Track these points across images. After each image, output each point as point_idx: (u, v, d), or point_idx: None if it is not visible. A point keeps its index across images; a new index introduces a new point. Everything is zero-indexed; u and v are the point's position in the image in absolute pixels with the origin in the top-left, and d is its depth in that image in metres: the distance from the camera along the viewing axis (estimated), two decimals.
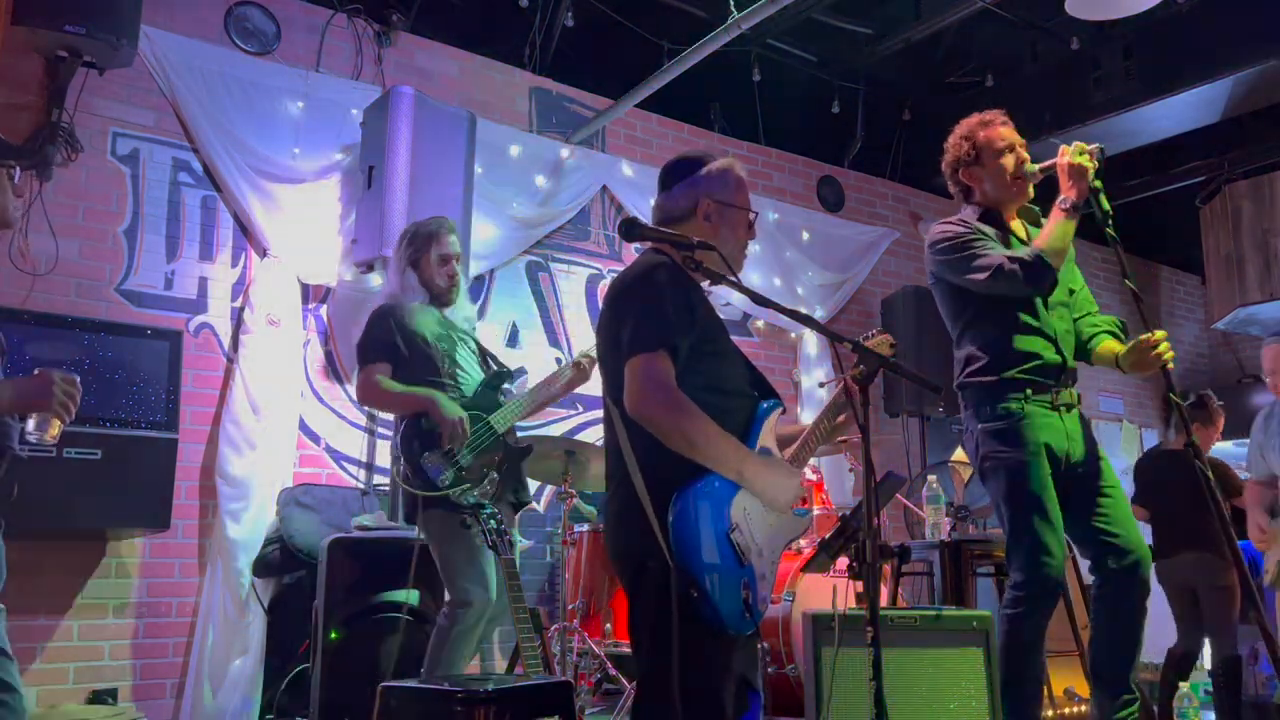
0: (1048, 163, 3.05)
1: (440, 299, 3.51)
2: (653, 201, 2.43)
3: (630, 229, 2.08)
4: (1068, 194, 2.96)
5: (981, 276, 2.96)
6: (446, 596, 3.28)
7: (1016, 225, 3.18)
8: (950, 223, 3.14)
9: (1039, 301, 3.07)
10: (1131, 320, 2.94)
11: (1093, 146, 2.96)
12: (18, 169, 2.39)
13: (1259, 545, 4.14)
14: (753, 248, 2.50)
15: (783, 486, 2.14)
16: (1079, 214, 2.97)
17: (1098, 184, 2.92)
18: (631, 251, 5.44)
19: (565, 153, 5.30)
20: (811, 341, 6.14)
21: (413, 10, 4.95)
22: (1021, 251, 2.99)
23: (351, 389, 4.55)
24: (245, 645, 3.97)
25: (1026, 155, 3.12)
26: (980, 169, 3.12)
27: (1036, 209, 3.21)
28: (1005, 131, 3.12)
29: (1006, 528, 3.00)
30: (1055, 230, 2.98)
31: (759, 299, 2.18)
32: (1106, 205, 2.90)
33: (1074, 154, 2.95)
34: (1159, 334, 2.89)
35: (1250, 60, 5.28)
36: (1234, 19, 5.34)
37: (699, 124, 6.03)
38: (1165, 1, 4.87)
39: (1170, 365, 2.87)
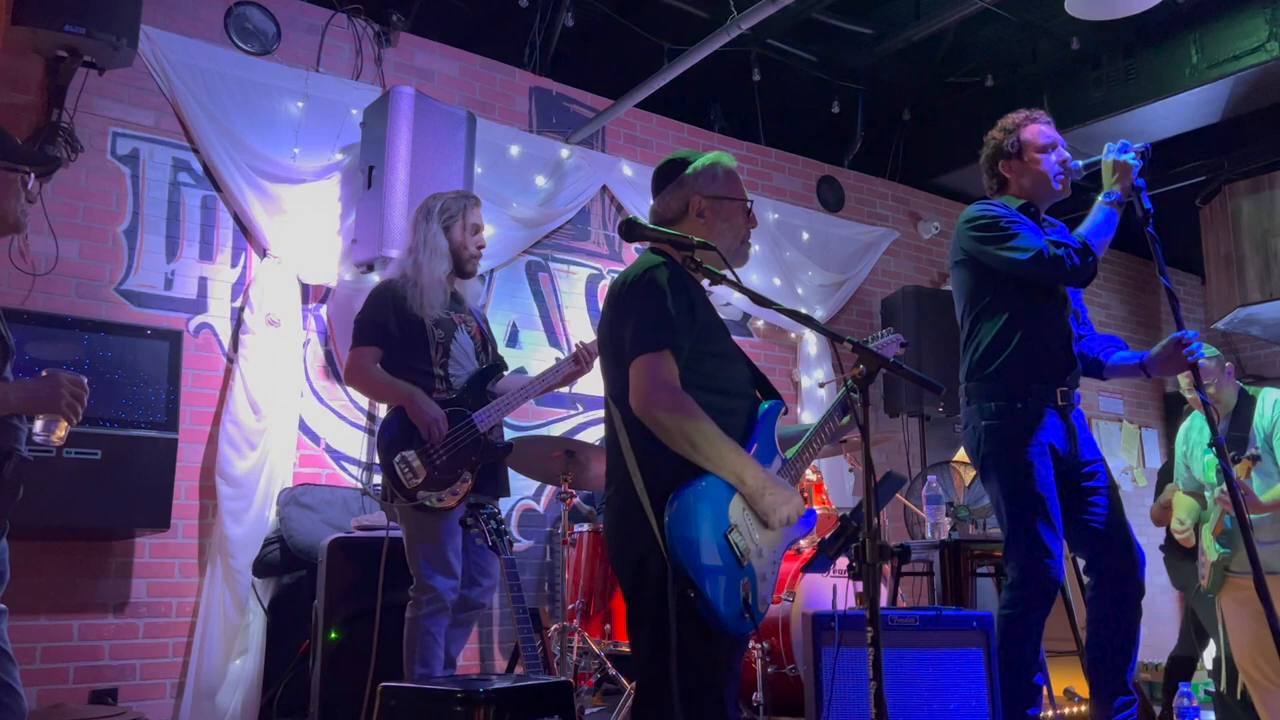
0: (1092, 159, 3.07)
1: (464, 268, 3.50)
2: (649, 207, 2.43)
3: (630, 229, 2.08)
4: (1111, 188, 2.98)
5: (1024, 257, 2.92)
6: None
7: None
8: (991, 204, 3.12)
9: (1054, 299, 3.07)
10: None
11: (1139, 146, 2.98)
12: (32, 175, 2.38)
13: (1180, 538, 4.20)
14: (753, 248, 2.50)
15: (780, 501, 2.12)
16: (1121, 208, 2.99)
17: (1140, 182, 2.95)
18: (632, 251, 5.43)
19: (565, 153, 5.30)
20: (811, 341, 6.14)
21: (413, 10, 4.94)
22: (1064, 237, 2.98)
23: (351, 389, 4.55)
24: (245, 645, 3.97)
25: (1068, 155, 3.14)
26: (1020, 163, 3.13)
27: (1060, 223, 3.22)
28: (1048, 130, 3.15)
29: (1006, 527, 2.99)
30: (1099, 220, 2.98)
31: (759, 299, 2.18)
32: (1149, 204, 2.92)
33: (1118, 151, 2.98)
34: (1191, 333, 2.92)
35: (1250, 60, 5.28)
36: (1234, 19, 5.35)
37: (699, 124, 6.02)
38: (1165, 1, 4.87)
39: (1201, 365, 2.90)
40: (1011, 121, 3.17)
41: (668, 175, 2.38)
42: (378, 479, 4.48)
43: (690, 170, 2.36)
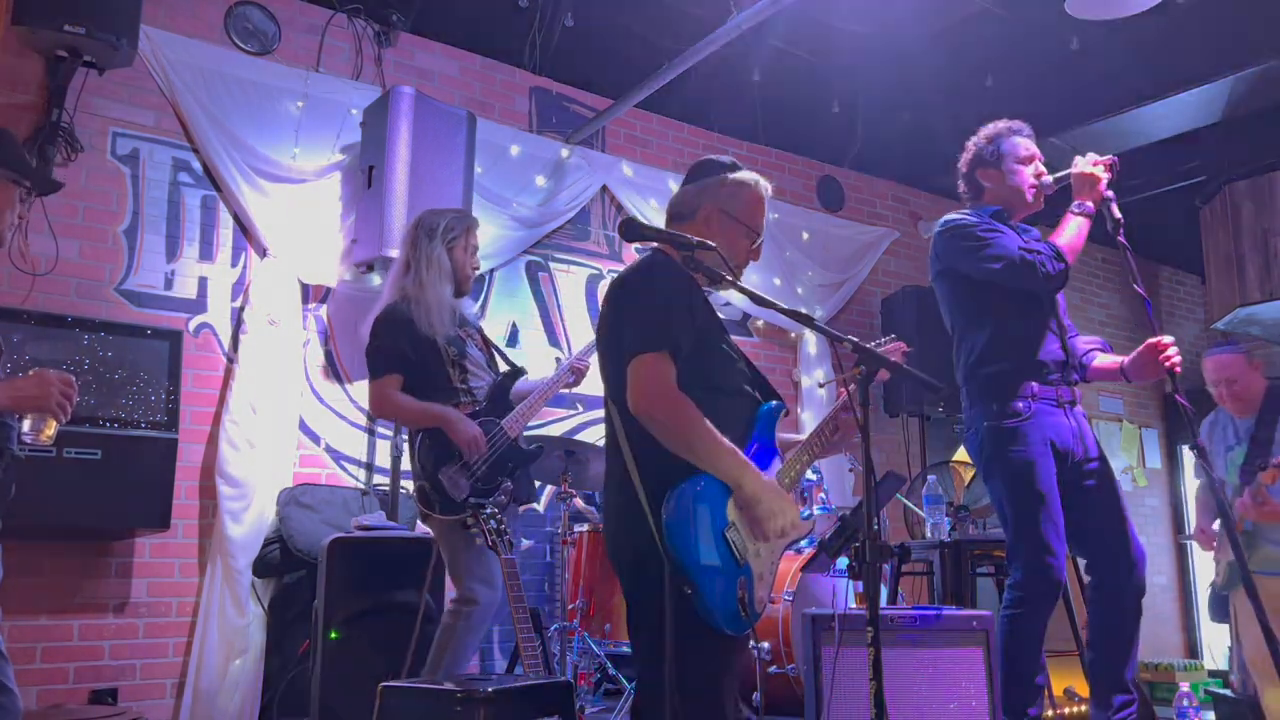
0: (1062, 173, 3.10)
1: (462, 288, 3.51)
2: (654, 204, 2.44)
3: (630, 229, 2.08)
4: (1081, 200, 3.03)
5: (997, 266, 2.97)
6: (451, 594, 3.28)
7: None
8: (964, 213, 3.16)
9: (1038, 300, 3.08)
10: (1146, 320, 2.98)
11: (1107, 158, 3.04)
12: (32, 192, 2.38)
13: (1204, 548, 4.18)
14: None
15: (777, 510, 2.10)
16: (1091, 219, 3.03)
17: (1109, 193, 2.99)
18: (632, 251, 5.43)
19: (565, 153, 5.30)
20: (811, 341, 6.14)
21: (413, 10, 4.94)
22: (1037, 244, 3.01)
23: (352, 389, 4.55)
24: (245, 645, 3.97)
25: (1044, 170, 3.18)
26: (998, 172, 3.17)
27: (1034, 229, 3.25)
28: (1028, 143, 3.19)
29: (1009, 527, 2.99)
30: (1070, 229, 3.03)
31: (759, 299, 2.18)
32: (1118, 213, 2.96)
33: (1087, 164, 3.03)
34: (1167, 338, 2.92)
35: (1250, 60, 5.28)
36: (1234, 19, 5.34)
37: (699, 124, 6.02)
38: (1165, 1, 4.86)
39: (1178, 369, 2.90)
40: (994, 130, 3.22)
41: (699, 172, 2.38)
42: (379, 480, 4.51)
43: (720, 177, 2.34)
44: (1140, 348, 3.01)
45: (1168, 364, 2.91)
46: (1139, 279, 2.90)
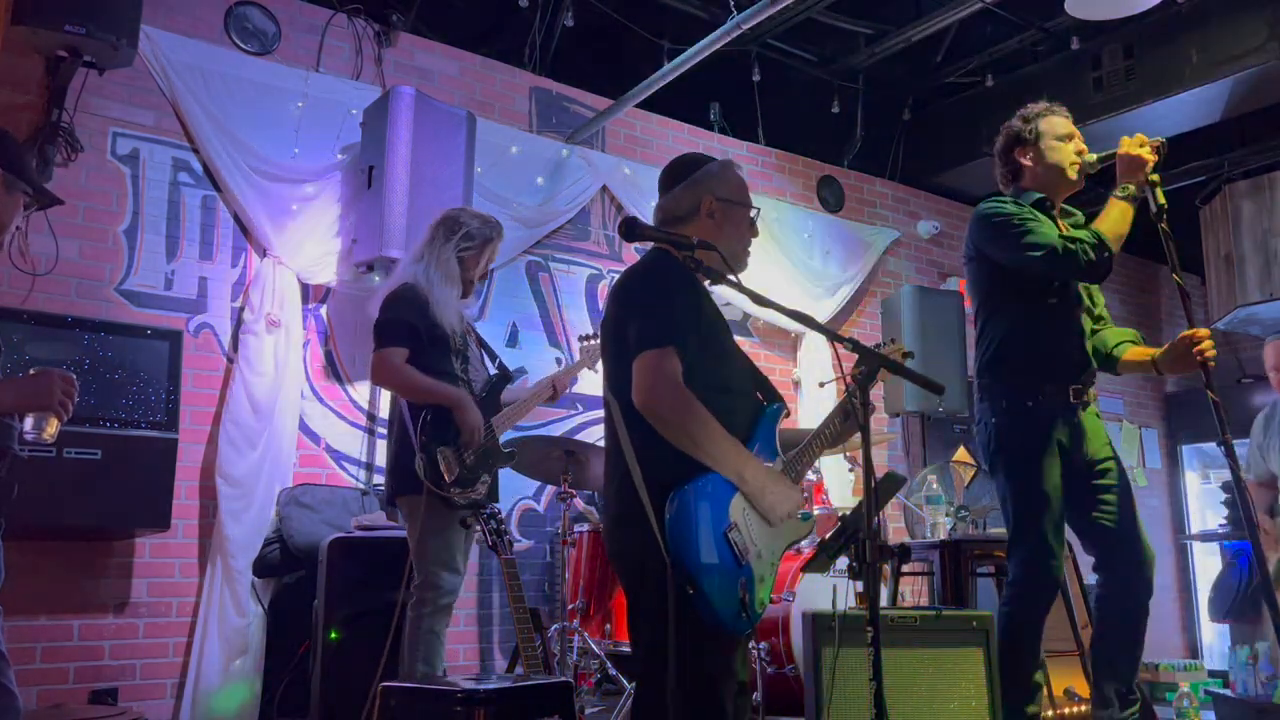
0: (1107, 153, 3.02)
1: (466, 293, 3.52)
2: (654, 204, 2.44)
3: (630, 229, 2.08)
4: (1125, 183, 2.92)
5: (1037, 254, 2.87)
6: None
7: (1060, 223, 3.10)
8: (1004, 200, 3.08)
9: (1068, 296, 3.05)
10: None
11: (1155, 140, 2.92)
12: (35, 205, 2.39)
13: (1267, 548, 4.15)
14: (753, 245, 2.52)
15: (781, 497, 2.13)
16: (1136, 203, 2.92)
17: (1155, 177, 2.87)
18: (632, 251, 5.43)
19: (565, 153, 5.30)
20: (812, 341, 6.13)
21: (413, 10, 4.94)
22: (1080, 233, 2.93)
23: (352, 389, 4.55)
24: (245, 645, 3.97)
25: (1085, 148, 3.09)
26: (1037, 150, 3.08)
27: (1079, 213, 3.18)
28: (1066, 121, 3.11)
29: (1011, 523, 2.98)
30: (1114, 215, 2.92)
31: (759, 299, 2.18)
32: (1162, 199, 2.84)
33: (1133, 145, 2.91)
34: (1203, 331, 2.85)
35: (1250, 60, 5.28)
36: (1234, 19, 5.35)
37: (699, 124, 6.02)
38: (1165, 1, 4.87)
39: (1212, 363, 2.82)
40: (1031, 111, 3.14)
41: (680, 173, 2.40)
42: (379, 480, 4.51)
43: (705, 170, 2.38)
44: (1174, 340, 2.94)
45: (1200, 357, 2.83)
46: (1178, 268, 2.83)
